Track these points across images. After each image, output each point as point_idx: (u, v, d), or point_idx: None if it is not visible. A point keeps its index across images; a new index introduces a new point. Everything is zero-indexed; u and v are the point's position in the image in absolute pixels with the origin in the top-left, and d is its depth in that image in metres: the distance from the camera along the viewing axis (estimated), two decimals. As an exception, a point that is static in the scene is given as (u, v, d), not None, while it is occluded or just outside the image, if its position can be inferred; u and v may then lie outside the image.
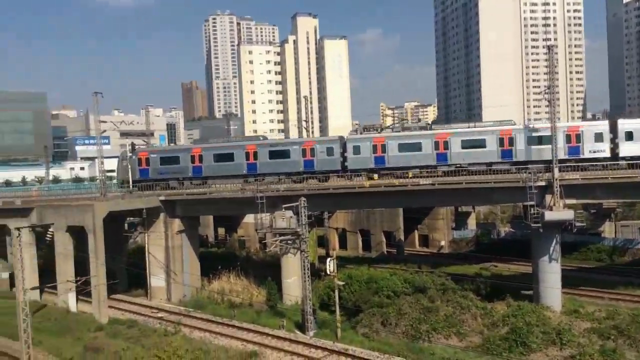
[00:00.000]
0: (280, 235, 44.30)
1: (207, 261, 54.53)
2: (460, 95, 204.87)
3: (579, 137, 44.65)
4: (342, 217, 75.35)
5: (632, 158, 43.36)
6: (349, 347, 35.74)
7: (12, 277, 52.66)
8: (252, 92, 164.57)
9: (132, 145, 54.51)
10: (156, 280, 49.95)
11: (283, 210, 43.15)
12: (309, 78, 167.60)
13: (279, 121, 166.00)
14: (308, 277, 39.53)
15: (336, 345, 36.19)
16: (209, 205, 50.43)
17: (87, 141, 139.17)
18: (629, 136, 44.02)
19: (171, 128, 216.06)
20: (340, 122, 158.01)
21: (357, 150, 48.22)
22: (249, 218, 72.72)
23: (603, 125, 44.82)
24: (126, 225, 63.33)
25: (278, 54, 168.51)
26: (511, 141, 45.58)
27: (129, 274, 52.85)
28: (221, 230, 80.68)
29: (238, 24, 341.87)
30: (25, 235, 37.91)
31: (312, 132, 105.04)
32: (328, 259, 40.49)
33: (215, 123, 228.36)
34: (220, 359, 32.28)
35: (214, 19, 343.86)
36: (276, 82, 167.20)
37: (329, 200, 47.79)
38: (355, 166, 48.26)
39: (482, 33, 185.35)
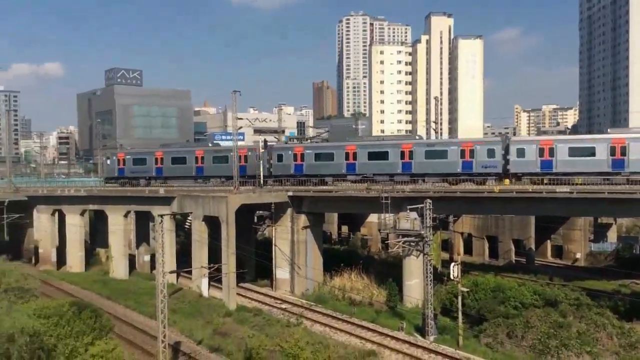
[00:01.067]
0: (403, 236, 43.90)
1: (329, 257, 55.50)
2: (605, 99, 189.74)
3: None
4: (468, 222, 73.07)
5: None
6: (471, 356, 34.67)
7: (152, 260, 57.35)
8: (382, 92, 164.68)
9: (265, 141, 56.87)
10: (281, 272, 51.75)
11: (408, 211, 42.73)
12: (440, 78, 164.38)
13: (407, 122, 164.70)
14: (430, 280, 38.88)
15: (457, 353, 35.28)
16: (334, 202, 51.26)
17: (224, 137, 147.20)
18: None
19: (301, 126, 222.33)
20: (471, 124, 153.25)
21: (521, 153, 46.11)
22: (373, 217, 72.88)
23: None
24: (255, 217, 66.33)
25: (409, 54, 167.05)
26: None
27: (256, 264, 55.25)
28: (344, 228, 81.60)
29: (371, 24, 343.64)
30: (167, 222, 41.00)
31: (441, 134, 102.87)
32: (452, 264, 39.48)
33: (343, 122, 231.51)
34: (339, 354, 32.71)
35: (348, 19, 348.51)
36: (406, 83, 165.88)
37: (456, 203, 46.57)
38: (519, 170, 46.31)
39: (631, 33, 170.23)
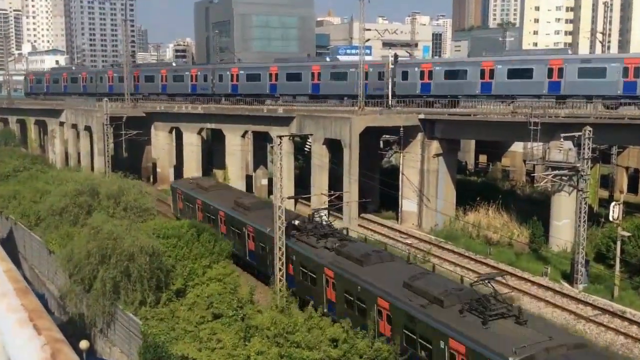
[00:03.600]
0: (553, 169, 42.11)
1: (463, 190, 54.75)
2: None
3: None
4: (636, 155, 68.02)
5: None
6: (627, 309, 33.35)
7: (270, 184, 59.81)
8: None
9: (395, 56, 55.88)
10: (408, 204, 51.93)
11: (561, 140, 40.71)
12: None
13: (566, 32, 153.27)
14: (584, 221, 37.33)
15: (611, 305, 34.12)
16: (472, 128, 49.86)
17: (349, 51, 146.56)
18: None
19: (437, 39, 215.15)
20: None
21: None
22: (517, 146, 70.16)
23: None
24: (381, 142, 66.39)
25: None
26: None
27: (380, 194, 55.81)
28: (483, 158, 79.57)
29: None
30: (285, 144, 42.17)
31: (608, 48, 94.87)
32: (612, 203, 37.46)
33: (488, 34, 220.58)
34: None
35: None
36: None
37: (623, 132, 43.42)
38: None
39: None
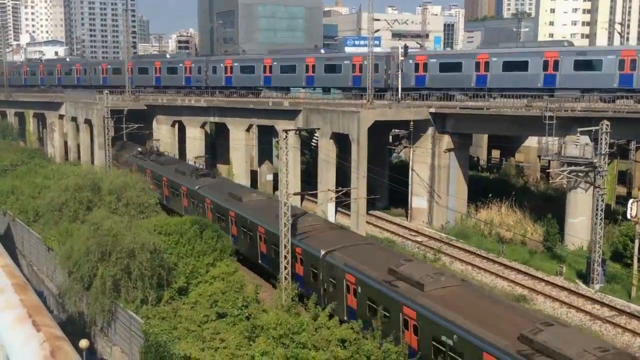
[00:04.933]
0: (569, 165, 41.96)
1: (475, 186, 54.69)
2: None
3: None
4: (656, 151, 67.70)
5: None
6: (645, 311, 33.22)
7: (275, 179, 59.91)
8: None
9: (405, 47, 55.78)
10: (418, 201, 51.91)
11: (578, 134, 40.59)
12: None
13: (584, 23, 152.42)
14: (601, 219, 37.28)
15: (628, 306, 34.13)
16: (485, 122, 49.75)
17: (357, 42, 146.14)
18: None
19: (449, 29, 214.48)
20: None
21: None
22: (531, 141, 69.97)
23: None
24: (390, 137, 66.32)
25: None
26: None
27: (389, 190, 55.81)
28: (495, 153, 79.37)
29: None
30: (291, 139, 42.23)
31: (627, 39, 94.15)
32: (630, 201, 37.30)
33: (502, 24, 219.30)
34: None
35: None
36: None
37: (641, 127, 43.26)
38: None
39: None
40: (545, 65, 47.85)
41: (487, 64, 50.47)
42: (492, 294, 26.87)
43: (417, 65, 54.15)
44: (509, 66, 49.67)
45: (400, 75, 54.25)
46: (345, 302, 27.65)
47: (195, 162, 57.54)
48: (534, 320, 20.87)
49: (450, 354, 21.57)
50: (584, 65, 46.69)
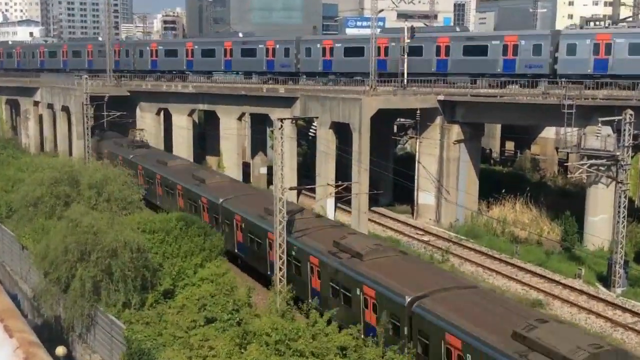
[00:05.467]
0: (590, 158, 41.99)
1: (488, 181, 54.73)
2: None
3: None
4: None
5: None
6: (670, 318, 33.31)
7: (270, 172, 59.87)
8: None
9: (412, 29, 55.72)
10: (425, 196, 51.93)
11: (599, 125, 40.57)
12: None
13: (606, 3, 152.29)
14: (623, 217, 37.30)
15: (652, 313, 34.10)
16: (498, 111, 49.74)
17: (359, 23, 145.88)
18: None
19: (459, 9, 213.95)
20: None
21: None
22: (549, 132, 69.99)
23: None
24: (395, 127, 66.30)
25: None
26: None
27: (394, 185, 55.80)
28: (509, 145, 79.39)
29: None
30: (287, 128, 42.14)
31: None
32: (655, 197, 37.41)
33: (517, 4, 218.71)
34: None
35: None
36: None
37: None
38: None
39: None
40: (505, 50, 50.21)
41: (447, 48, 52.44)
42: (428, 264, 31.76)
43: (378, 48, 55.22)
44: (469, 51, 52.03)
45: (406, 59, 54.18)
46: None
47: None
48: (451, 282, 25.99)
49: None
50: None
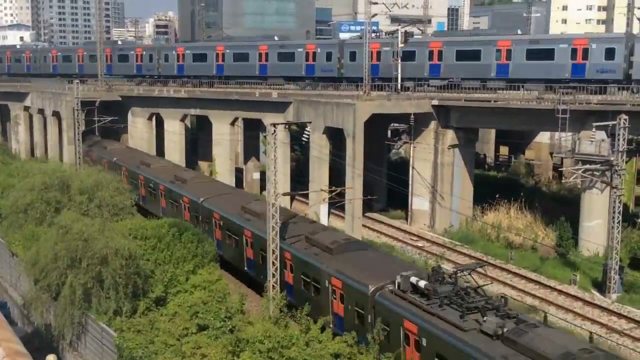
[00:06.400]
0: (584, 163, 42.07)
1: (482, 186, 54.75)
2: None
3: None
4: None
5: None
6: (666, 323, 33.33)
7: (263, 178, 59.75)
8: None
9: (405, 33, 55.77)
10: (419, 202, 51.91)
11: (593, 129, 40.66)
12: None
13: (600, 8, 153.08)
14: (618, 222, 37.37)
15: (648, 318, 34.12)
16: (492, 116, 49.79)
17: (352, 27, 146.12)
18: None
19: (453, 14, 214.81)
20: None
21: None
22: (543, 137, 70.18)
23: None
24: (389, 132, 66.26)
25: None
26: None
27: (388, 190, 55.77)
28: (504, 150, 79.57)
29: None
30: (280, 133, 42.13)
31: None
32: (650, 203, 37.50)
33: (510, 8, 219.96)
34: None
35: None
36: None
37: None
38: None
39: None
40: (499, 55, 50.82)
41: (440, 52, 52.60)
42: (391, 256, 33.04)
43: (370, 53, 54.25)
44: (462, 56, 52.05)
45: (399, 64, 54.19)
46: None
47: None
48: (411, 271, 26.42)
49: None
50: (538, 54, 49.16)
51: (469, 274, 26.13)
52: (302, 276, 30.62)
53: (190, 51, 70.71)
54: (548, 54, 48.95)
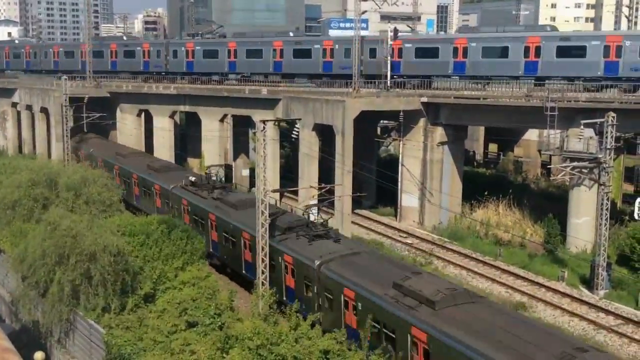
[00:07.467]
0: (572, 160, 42.25)
1: (471, 183, 54.93)
2: None
3: None
4: (666, 145, 68.51)
5: None
6: (653, 319, 33.56)
7: (252, 175, 59.65)
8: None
9: (395, 31, 55.74)
10: (408, 199, 51.99)
11: (581, 127, 40.80)
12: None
13: (588, 6, 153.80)
14: (606, 219, 37.53)
15: (635, 314, 34.41)
16: (481, 113, 49.94)
17: (342, 24, 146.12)
18: None
19: (443, 11, 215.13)
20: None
21: None
22: (532, 134, 70.43)
23: None
24: (378, 129, 66.35)
25: None
26: None
27: (377, 188, 55.83)
28: (493, 147, 79.82)
29: None
30: (270, 130, 41.99)
31: (635, 23, 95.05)
32: (638, 199, 37.75)
33: (500, 6, 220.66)
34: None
35: None
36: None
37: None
38: None
39: None
40: (455, 52, 51.25)
41: (400, 50, 53.40)
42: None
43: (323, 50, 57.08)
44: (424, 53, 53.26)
45: (389, 60, 54.17)
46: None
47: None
48: (353, 249, 30.46)
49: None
50: (492, 52, 50.27)
51: None
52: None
53: (200, 47, 68.01)
54: (579, 51, 47.22)
